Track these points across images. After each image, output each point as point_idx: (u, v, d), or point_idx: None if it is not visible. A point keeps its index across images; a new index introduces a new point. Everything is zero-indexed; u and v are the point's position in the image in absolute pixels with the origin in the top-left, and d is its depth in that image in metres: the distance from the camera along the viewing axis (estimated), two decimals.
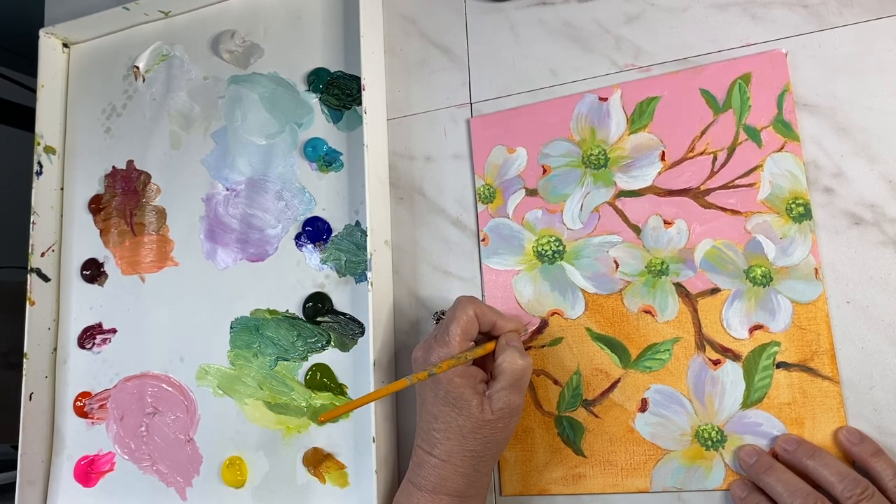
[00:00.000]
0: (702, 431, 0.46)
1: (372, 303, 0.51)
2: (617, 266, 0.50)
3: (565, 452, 0.49)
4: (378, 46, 0.58)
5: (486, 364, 0.47)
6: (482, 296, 0.53)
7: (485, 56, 0.56)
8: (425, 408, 0.45)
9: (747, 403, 0.45)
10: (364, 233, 0.56)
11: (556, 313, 0.51)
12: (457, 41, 0.57)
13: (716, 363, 0.46)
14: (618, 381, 0.48)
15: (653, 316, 0.48)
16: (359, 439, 0.53)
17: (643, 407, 0.48)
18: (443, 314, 0.51)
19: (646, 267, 0.49)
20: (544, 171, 0.53)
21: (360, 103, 0.57)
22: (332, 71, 0.60)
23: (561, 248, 0.51)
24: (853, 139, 0.46)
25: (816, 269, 0.45)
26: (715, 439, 0.46)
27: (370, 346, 0.51)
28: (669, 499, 0.46)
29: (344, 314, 0.56)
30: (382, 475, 0.49)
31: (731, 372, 0.46)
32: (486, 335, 0.48)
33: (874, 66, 0.46)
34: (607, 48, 0.52)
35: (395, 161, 0.57)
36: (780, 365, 0.45)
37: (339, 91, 0.59)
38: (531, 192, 0.53)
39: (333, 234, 0.57)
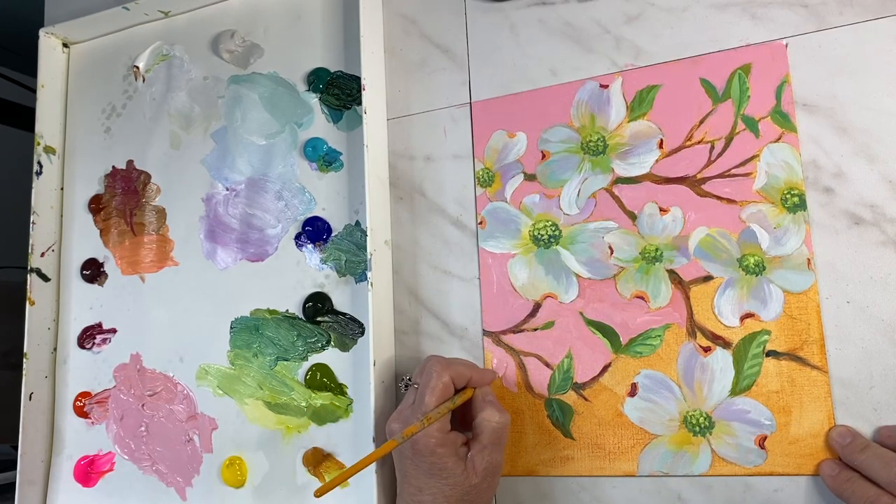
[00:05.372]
0: (690, 417, 0.46)
1: (372, 303, 0.51)
2: (612, 252, 0.50)
3: (554, 435, 0.49)
4: (378, 46, 0.58)
5: (461, 413, 0.47)
6: (478, 279, 0.53)
7: (485, 56, 0.56)
8: (408, 481, 0.45)
9: (736, 391, 0.46)
10: (364, 233, 0.56)
11: (549, 297, 0.51)
12: (457, 41, 0.57)
13: (706, 350, 0.47)
14: (608, 365, 0.49)
15: (645, 302, 0.48)
16: (359, 439, 0.53)
17: (633, 392, 0.48)
18: (410, 380, 0.48)
19: (640, 253, 0.49)
20: (543, 156, 0.53)
21: (360, 103, 0.57)
22: (332, 71, 0.60)
23: (557, 232, 0.51)
24: (853, 139, 0.46)
25: (809, 260, 0.45)
26: (703, 425, 0.46)
27: (370, 346, 0.51)
28: (656, 483, 0.47)
29: (344, 314, 0.56)
30: (382, 475, 0.49)
31: (721, 359, 0.46)
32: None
33: (874, 66, 0.46)
34: (607, 48, 0.52)
35: (395, 161, 0.57)
36: (769, 353, 0.45)
37: (339, 91, 0.59)
38: (530, 177, 0.53)
39: (333, 234, 0.57)
